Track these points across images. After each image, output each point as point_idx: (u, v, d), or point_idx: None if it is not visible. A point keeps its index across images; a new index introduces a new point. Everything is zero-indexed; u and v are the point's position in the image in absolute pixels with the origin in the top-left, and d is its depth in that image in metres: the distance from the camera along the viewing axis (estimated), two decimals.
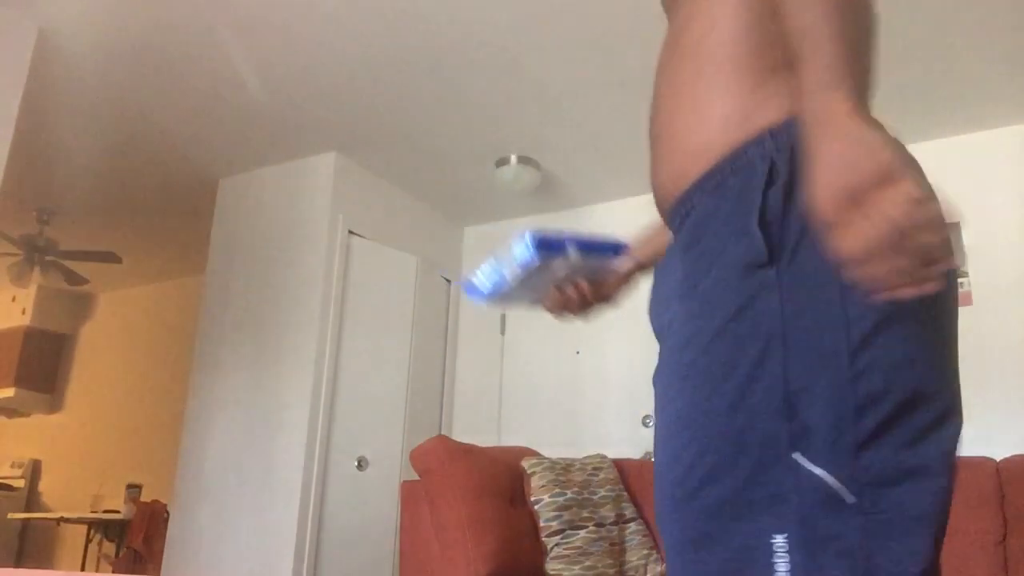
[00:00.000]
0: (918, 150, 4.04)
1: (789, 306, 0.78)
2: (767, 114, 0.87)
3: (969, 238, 3.57)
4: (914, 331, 0.79)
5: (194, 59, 3.33)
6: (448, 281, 4.81)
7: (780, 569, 0.74)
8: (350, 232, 4.12)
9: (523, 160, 4.05)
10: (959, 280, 3.50)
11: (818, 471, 0.74)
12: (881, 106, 3.68)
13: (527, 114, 3.66)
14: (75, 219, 5.10)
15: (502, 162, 4.07)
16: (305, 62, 3.33)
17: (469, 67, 3.33)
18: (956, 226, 3.60)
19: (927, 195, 0.70)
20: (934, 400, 0.79)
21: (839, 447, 0.74)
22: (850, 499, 0.73)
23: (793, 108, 0.84)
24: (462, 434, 4.55)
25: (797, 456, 0.75)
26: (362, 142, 4.00)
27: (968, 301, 3.49)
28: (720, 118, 0.90)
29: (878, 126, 0.74)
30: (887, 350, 0.77)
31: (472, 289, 1.07)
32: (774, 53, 0.88)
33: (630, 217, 4.46)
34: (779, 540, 0.74)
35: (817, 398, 0.75)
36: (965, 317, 3.46)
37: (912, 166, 0.79)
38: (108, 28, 3.14)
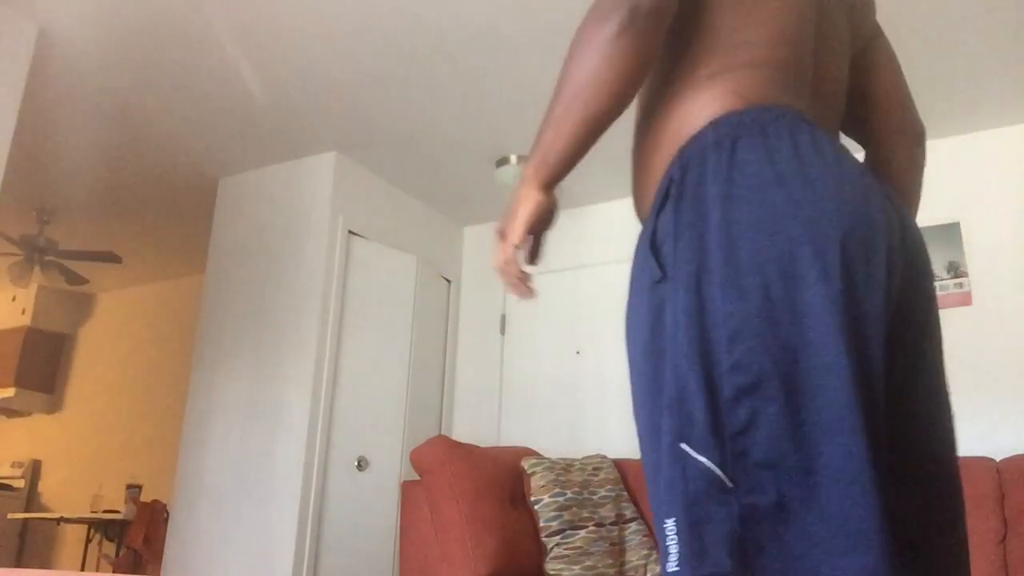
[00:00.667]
0: None
1: (680, 313, 0.87)
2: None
3: (969, 238, 3.57)
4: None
5: (194, 59, 3.33)
6: (448, 281, 4.81)
7: (672, 551, 0.81)
8: (350, 232, 4.12)
9: (523, 160, 4.05)
10: (959, 280, 3.51)
11: (702, 459, 0.81)
12: None
13: (527, 114, 3.66)
14: (75, 219, 5.10)
15: (502, 162, 4.07)
16: (305, 62, 3.33)
17: (469, 67, 3.33)
18: (956, 226, 3.60)
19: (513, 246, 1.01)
20: None
21: (717, 436, 0.81)
22: (729, 484, 0.80)
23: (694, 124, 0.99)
24: (462, 434, 4.54)
25: (683, 446, 0.82)
26: (362, 142, 4.00)
27: (968, 301, 3.49)
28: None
29: (532, 187, 1.03)
30: (762, 341, 0.83)
31: None
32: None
33: (630, 217, 4.46)
34: (669, 524, 0.82)
35: (697, 392, 0.83)
36: (965, 317, 3.46)
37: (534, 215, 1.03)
38: (108, 28, 3.14)
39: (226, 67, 3.38)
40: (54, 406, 6.55)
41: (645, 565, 2.80)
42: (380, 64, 3.32)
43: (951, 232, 3.60)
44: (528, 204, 1.02)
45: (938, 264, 3.59)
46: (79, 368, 6.59)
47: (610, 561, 2.71)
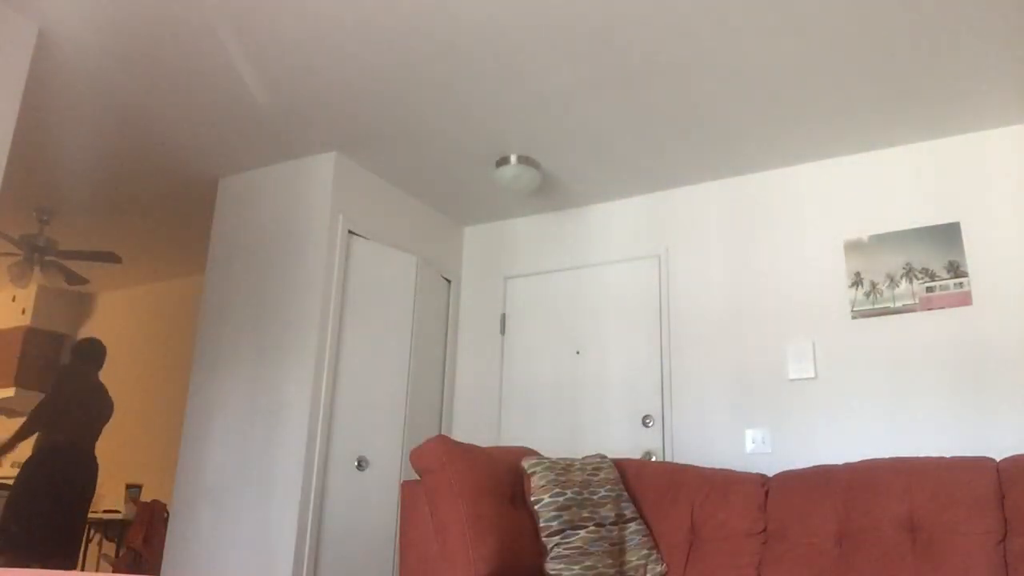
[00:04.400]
0: (918, 150, 4.05)
1: None
2: None
3: (969, 238, 3.57)
4: None
5: (194, 59, 3.33)
6: (448, 281, 4.81)
7: None
8: (350, 232, 4.12)
9: (523, 160, 4.05)
10: (959, 280, 3.51)
11: None
12: (881, 107, 3.67)
13: (527, 114, 3.66)
14: (75, 219, 5.10)
15: (502, 162, 4.07)
16: (305, 62, 3.33)
17: (469, 67, 3.33)
18: (956, 226, 3.60)
19: None
20: None
21: None
22: None
23: None
24: (462, 434, 4.55)
25: None
26: (362, 142, 4.00)
27: (968, 301, 3.49)
28: None
29: None
30: None
31: None
32: None
33: (630, 217, 4.46)
34: None
35: None
36: (965, 317, 3.46)
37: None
38: (108, 28, 3.15)
39: (226, 67, 3.38)
40: None
41: (645, 565, 2.81)
42: (380, 64, 3.32)
43: (951, 232, 3.60)
44: None
45: (938, 264, 3.59)
46: None
47: (610, 561, 2.71)
